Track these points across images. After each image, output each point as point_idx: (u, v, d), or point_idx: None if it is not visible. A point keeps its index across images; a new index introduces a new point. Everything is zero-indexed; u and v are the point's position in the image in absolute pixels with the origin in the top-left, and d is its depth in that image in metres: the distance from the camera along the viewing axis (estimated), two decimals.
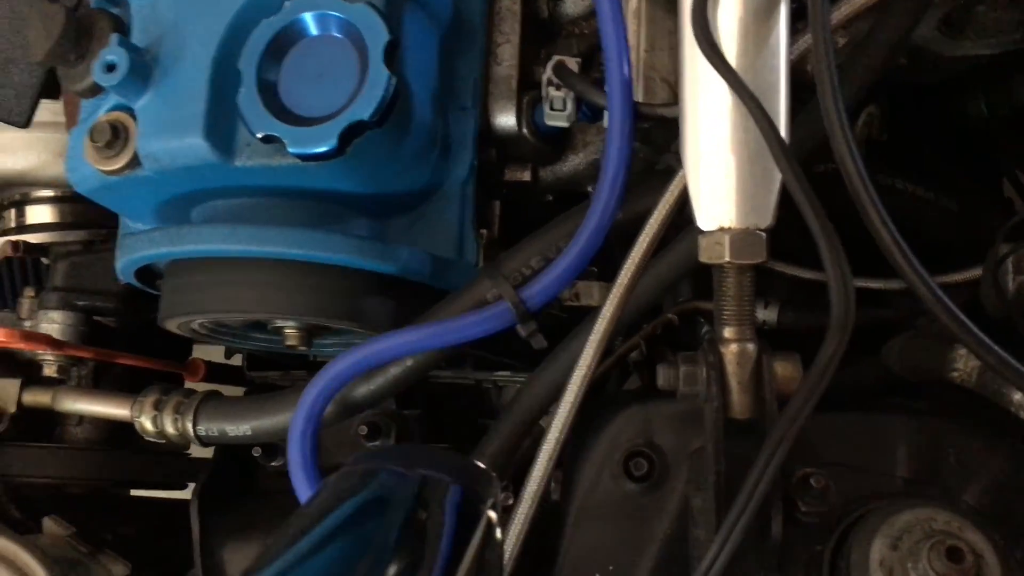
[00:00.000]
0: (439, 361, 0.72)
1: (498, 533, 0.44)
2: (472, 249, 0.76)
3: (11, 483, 0.92)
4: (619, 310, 0.64)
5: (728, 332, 0.58)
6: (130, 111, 0.69)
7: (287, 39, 0.66)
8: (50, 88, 0.86)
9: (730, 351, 0.58)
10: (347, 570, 0.39)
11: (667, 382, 0.63)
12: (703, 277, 0.75)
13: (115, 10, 0.72)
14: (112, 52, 0.66)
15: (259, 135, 0.65)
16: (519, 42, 0.78)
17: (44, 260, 0.94)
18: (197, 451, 1.01)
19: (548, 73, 0.75)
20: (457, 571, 0.40)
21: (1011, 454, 0.62)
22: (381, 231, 0.74)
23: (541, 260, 0.69)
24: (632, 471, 0.66)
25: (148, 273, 0.79)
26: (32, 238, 0.97)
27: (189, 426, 0.76)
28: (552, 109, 0.76)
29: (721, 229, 0.57)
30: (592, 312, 0.66)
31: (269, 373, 0.97)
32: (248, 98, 0.65)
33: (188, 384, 0.95)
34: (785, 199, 0.56)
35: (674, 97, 0.72)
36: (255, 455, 0.89)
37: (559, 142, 0.81)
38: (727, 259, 0.56)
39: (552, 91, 0.75)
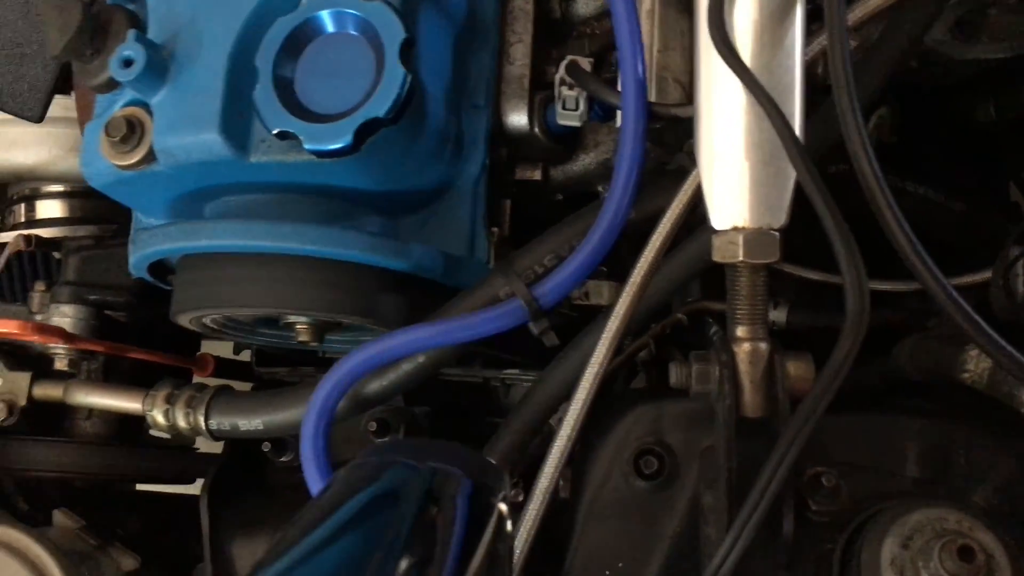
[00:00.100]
0: (451, 358, 0.73)
1: (508, 526, 0.45)
2: (483, 247, 0.77)
3: (19, 476, 0.93)
4: (632, 308, 0.64)
5: (741, 331, 0.59)
6: (146, 106, 0.69)
7: (303, 36, 0.67)
8: (61, 83, 0.87)
9: (743, 350, 0.59)
10: (358, 563, 0.39)
11: (679, 380, 0.63)
12: (712, 277, 0.76)
13: (131, 6, 0.73)
14: (129, 47, 0.67)
15: (275, 131, 0.65)
16: (531, 42, 0.79)
17: (56, 255, 0.95)
18: (204, 447, 1.02)
19: (561, 72, 0.76)
20: (469, 563, 0.41)
21: (1021, 455, 0.62)
22: (393, 228, 0.74)
23: (554, 258, 0.70)
24: (642, 469, 0.66)
25: (160, 268, 0.79)
26: (43, 232, 0.97)
27: (201, 420, 0.76)
28: (565, 108, 0.76)
29: (735, 228, 0.57)
30: (604, 310, 0.66)
31: (277, 369, 0.98)
32: (264, 94, 0.65)
33: (196, 379, 0.95)
34: (793, 200, 0.57)
35: (687, 97, 0.72)
36: (264, 450, 0.89)
37: (570, 142, 0.81)
38: (741, 258, 0.57)
39: (565, 90, 0.76)
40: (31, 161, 1.01)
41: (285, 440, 0.90)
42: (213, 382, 0.84)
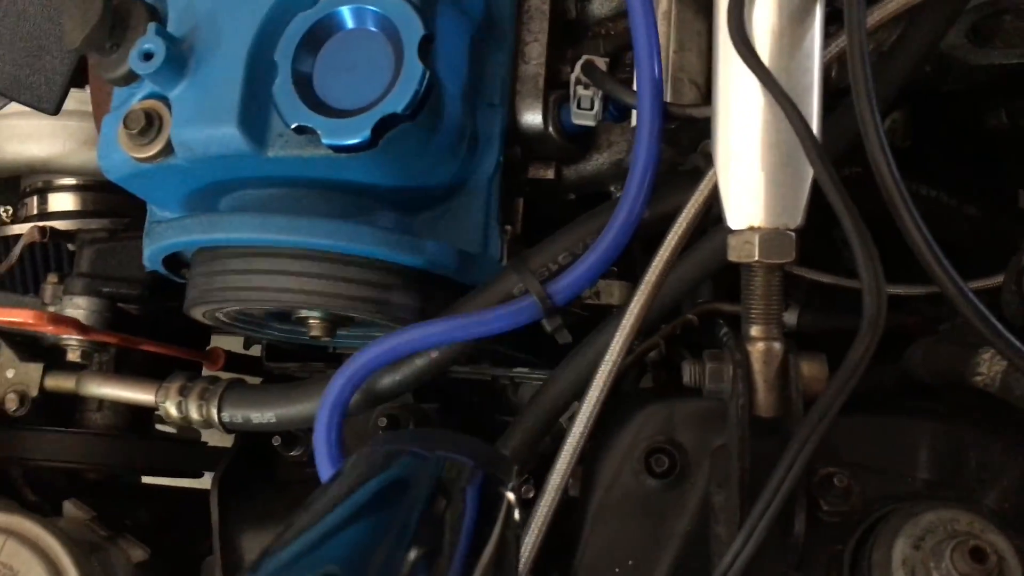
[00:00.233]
0: (463, 354, 0.73)
1: (517, 515, 0.45)
2: (496, 245, 0.77)
3: (29, 467, 0.93)
4: (646, 307, 0.64)
5: (755, 331, 0.59)
6: (164, 99, 0.70)
7: (323, 32, 0.67)
8: (76, 76, 0.87)
9: (757, 349, 0.59)
10: (368, 550, 0.39)
11: (692, 379, 0.64)
12: (723, 278, 0.76)
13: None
14: (149, 41, 0.67)
15: (293, 125, 0.66)
16: (547, 41, 0.79)
17: (70, 246, 0.95)
18: (213, 440, 1.02)
19: (577, 72, 0.76)
20: (478, 552, 0.41)
21: None
22: (408, 225, 0.74)
23: (568, 256, 0.70)
24: (653, 467, 0.67)
25: (174, 261, 0.80)
26: (57, 225, 0.98)
27: (214, 412, 0.77)
28: (580, 108, 0.76)
29: (751, 228, 0.57)
30: (618, 309, 0.67)
31: (287, 364, 0.98)
32: (283, 89, 0.66)
33: (207, 372, 0.96)
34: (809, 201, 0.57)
35: (702, 98, 0.72)
36: (275, 444, 0.89)
37: (584, 141, 0.82)
38: (756, 258, 0.57)
39: (580, 90, 0.76)
40: (45, 154, 1.01)
41: (295, 434, 0.90)
42: (223, 376, 0.84)
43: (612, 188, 0.84)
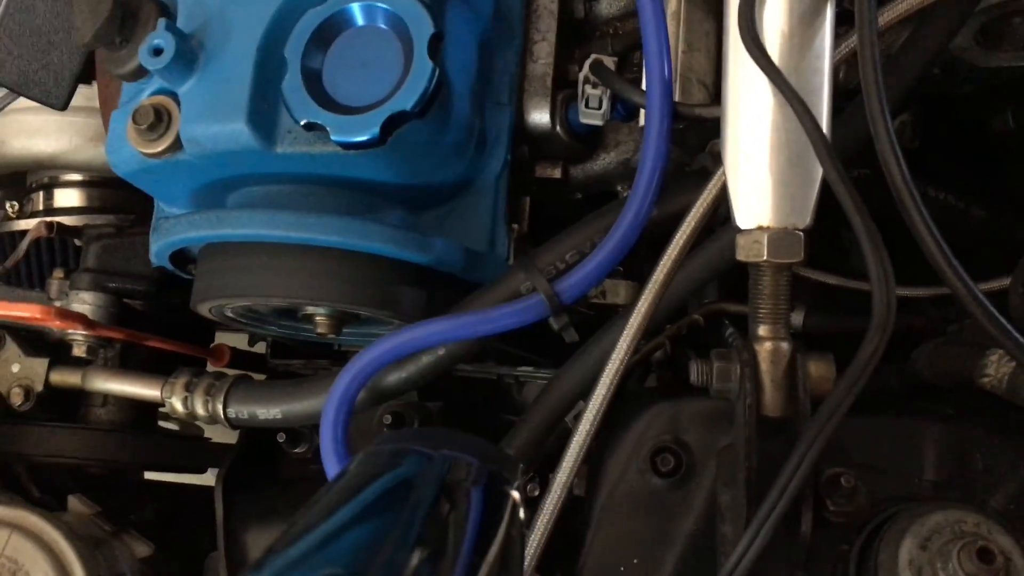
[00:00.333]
0: (470, 351, 0.73)
1: (522, 514, 0.45)
2: (503, 243, 0.77)
3: (34, 462, 0.93)
4: (653, 306, 0.64)
5: (763, 330, 0.59)
6: (173, 95, 0.70)
7: (332, 29, 0.67)
8: (83, 72, 0.87)
9: (764, 349, 0.59)
10: (372, 549, 0.39)
11: (699, 378, 0.64)
12: (729, 279, 0.76)
13: None
14: (159, 36, 0.67)
15: (302, 122, 0.66)
16: (555, 40, 0.79)
17: (76, 242, 0.95)
18: (217, 436, 1.02)
19: (585, 71, 0.76)
20: (483, 551, 0.41)
21: None
22: (415, 222, 0.74)
23: (575, 255, 0.70)
24: (659, 466, 0.67)
25: (181, 257, 0.80)
26: (63, 220, 0.98)
27: (220, 408, 0.77)
28: (587, 107, 0.76)
29: (760, 228, 0.57)
30: (624, 308, 0.67)
31: (292, 361, 0.98)
32: (293, 85, 0.66)
33: (211, 369, 0.96)
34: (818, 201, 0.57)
35: (711, 99, 0.72)
36: (279, 441, 0.89)
37: (591, 141, 0.82)
38: (765, 258, 0.57)
39: (588, 89, 0.76)
40: (51, 149, 1.01)
41: (300, 431, 0.91)
42: (229, 372, 0.84)
43: (619, 187, 0.84)
